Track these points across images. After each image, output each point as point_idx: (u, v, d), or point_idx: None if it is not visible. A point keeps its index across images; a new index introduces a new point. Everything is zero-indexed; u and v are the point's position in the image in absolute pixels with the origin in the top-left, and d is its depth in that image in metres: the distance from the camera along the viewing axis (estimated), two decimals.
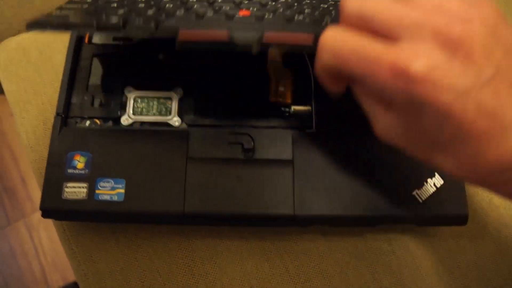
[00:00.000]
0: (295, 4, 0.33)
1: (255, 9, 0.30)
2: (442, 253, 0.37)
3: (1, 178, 0.89)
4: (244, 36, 0.24)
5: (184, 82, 0.36)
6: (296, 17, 0.28)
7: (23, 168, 0.89)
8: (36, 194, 0.86)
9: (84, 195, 0.31)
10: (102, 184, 0.31)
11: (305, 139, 0.33)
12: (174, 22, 0.27)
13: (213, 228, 0.36)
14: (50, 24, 0.27)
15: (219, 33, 0.25)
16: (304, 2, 0.34)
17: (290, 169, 0.33)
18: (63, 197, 0.31)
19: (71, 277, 0.87)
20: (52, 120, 0.38)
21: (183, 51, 0.29)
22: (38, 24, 0.27)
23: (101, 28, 0.27)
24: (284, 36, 0.25)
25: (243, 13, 0.29)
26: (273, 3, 0.33)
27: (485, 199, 0.38)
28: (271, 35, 0.25)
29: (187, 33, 0.25)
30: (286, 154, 0.33)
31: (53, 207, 0.31)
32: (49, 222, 0.36)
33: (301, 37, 0.25)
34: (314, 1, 0.35)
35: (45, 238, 0.87)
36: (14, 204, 0.87)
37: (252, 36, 0.24)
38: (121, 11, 0.29)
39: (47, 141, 0.38)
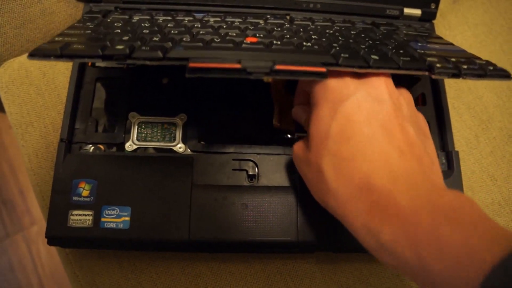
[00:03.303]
0: (301, 30, 0.33)
1: (261, 35, 0.30)
2: None
3: (0, 191, 0.89)
4: (257, 65, 0.24)
5: (188, 108, 0.36)
6: (304, 44, 0.28)
7: (22, 181, 0.89)
8: (35, 207, 0.86)
9: (90, 223, 0.31)
10: (107, 212, 0.31)
11: None
12: (182, 49, 0.27)
13: (216, 253, 0.36)
14: (54, 54, 0.27)
15: (232, 63, 0.25)
16: (309, 28, 0.34)
17: (294, 195, 0.33)
18: (68, 225, 0.31)
19: None
20: (55, 143, 0.38)
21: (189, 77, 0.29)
22: (41, 53, 0.27)
23: (107, 57, 0.26)
24: (296, 66, 0.25)
25: (250, 39, 0.29)
26: (279, 29, 0.33)
27: None
28: (283, 65, 0.25)
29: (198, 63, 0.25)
30: (290, 181, 0.33)
31: (59, 235, 0.31)
32: None
33: (313, 67, 0.25)
34: (319, 27, 0.35)
35: (43, 251, 0.86)
36: (12, 217, 0.87)
37: (265, 65, 0.24)
38: (125, 37, 0.28)
39: (49, 164, 0.38)
